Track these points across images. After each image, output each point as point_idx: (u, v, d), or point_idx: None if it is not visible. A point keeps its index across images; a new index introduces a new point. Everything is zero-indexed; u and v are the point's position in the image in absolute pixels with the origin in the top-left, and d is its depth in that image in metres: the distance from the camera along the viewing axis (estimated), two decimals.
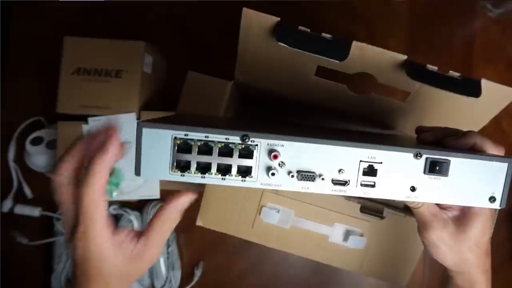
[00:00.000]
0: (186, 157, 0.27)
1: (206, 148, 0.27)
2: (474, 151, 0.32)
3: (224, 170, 0.27)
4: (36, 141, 0.62)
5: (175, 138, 0.26)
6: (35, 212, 0.63)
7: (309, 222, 0.50)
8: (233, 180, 0.28)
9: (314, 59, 0.39)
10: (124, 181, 0.61)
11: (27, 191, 0.65)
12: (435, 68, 0.38)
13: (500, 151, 0.33)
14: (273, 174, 0.27)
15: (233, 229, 0.50)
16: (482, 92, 0.38)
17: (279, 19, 0.38)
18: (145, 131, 0.26)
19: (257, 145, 0.27)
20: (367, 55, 0.39)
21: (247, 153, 0.27)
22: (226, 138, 0.27)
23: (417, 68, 0.38)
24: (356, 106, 0.47)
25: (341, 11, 0.68)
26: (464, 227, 0.34)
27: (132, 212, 0.63)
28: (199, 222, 0.50)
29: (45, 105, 0.64)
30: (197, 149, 0.27)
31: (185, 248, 0.66)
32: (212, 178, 0.27)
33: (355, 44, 0.38)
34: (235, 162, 0.27)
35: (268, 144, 0.27)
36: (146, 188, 0.61)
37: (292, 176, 0.28)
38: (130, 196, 0.61)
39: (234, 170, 0.27)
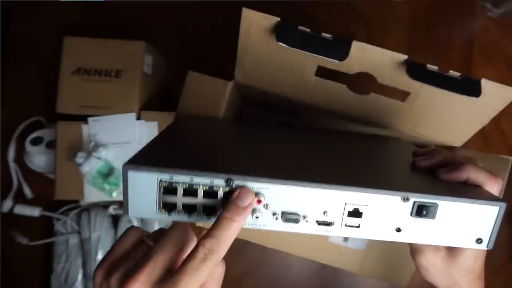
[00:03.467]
0: (171, 198, 0.27)
1: (191, 190, 0.27)
2: (468, 185, 0.31)
3: (210, 210, 0.28)
4: (36, 141, 0.62)
5: (161, 181, 0.27)
6: (35, 212, 0.63)
7: None
8: None
9: (314, 59, 0.39)
10: None
11: (27, 191, 0.65)
12: (435, 67, 0.38)
13: (497, 184, 0.31)
14: (257, 217, 0.28)
15: None
16: (482, 91, 0.38)
17: (279, 19, 0.38)
18: (131, 174, 0.26)
19: None
20: (367, 55, 0.39)
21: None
22: (210, 181, 0.27)
23: (417, 68, 0.38)
24: (356, 106, 0.47)
25: (341, 11, 0.68)
26: (456, 253, 0.33)
27: None
28: (199, 222, 0.49)
29: (45, 105, 0.64)
30: (182, 191, 0.27)
31: None
32: (198, 218, 0.28)
33: (355, 44, 0.38)
34: (220, 203, 0.27)
35: (252, 188, 0.27)
36: None
37: (277, 218, 0.28)
38: None
39: (219, 211, 0.27)
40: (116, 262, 0.27)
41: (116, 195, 0.60)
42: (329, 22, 0.68)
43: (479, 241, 0.29)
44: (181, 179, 0.27)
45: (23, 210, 0.64)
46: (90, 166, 0.58)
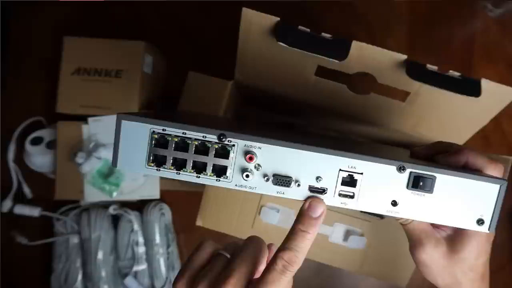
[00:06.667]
0: (162, 152, 0.27)
1: (183, 145, 0.27)
2: (467, 169, 0.30)
3: (200, 168, 0.27)
4: (36, 141, 0.62)
5: (153, 132, 0.27)
6: (35, 212, 0.63)
7: None
8: (208, 179, 0.27)
9: (314, 59, 0.39)
10: (124, 181, 0.61)
11: (27, 191, 0.65)
12: (435, 67, 0.38)
13: (498, 169, 0.30)
14: (247, 176, 0.27)
15: (233, 229, 0.50)
16: (482, 91, 0.38)
17: (279, 19, 0.38)
18: (124, 123, 0.27)
19: (234, 145, 0.27)
20: (367, 55, 0.39)
21: (223, 152, 0.27)
22: (203, 136, 0.27)
23: (417, 68, 0.38)
24: (355, 106, 0.47)
25: (341, 11, 0.68)
26: (457, 248, 0.32)
27: (132, 212, 0.63)
28: (199, 222, 0.49)
29: (45, 105, 0.64)
30: (173, 145, 0.27)
31: (185, 248, 0.66)
32: (187, 175, 0.27)
33: (355, 44, 0.38)
34: (211, 161, 0.27)
35: (245, 145, 0.27)
36: (146, 188, 0.61)
37: (268, 180, 0.27)
38: (130, 196, 0.61)
39: (209, 168, 0.27)
40: (196, 273, 0.28)
41: (116, 195, 0.60)
42: (329, 22, 0.68)
43: (480, 222, 0.28)
44: (174, 131, 0.27)
45: (23, 210, 0.64)
46: (90, 166, 0.58)
